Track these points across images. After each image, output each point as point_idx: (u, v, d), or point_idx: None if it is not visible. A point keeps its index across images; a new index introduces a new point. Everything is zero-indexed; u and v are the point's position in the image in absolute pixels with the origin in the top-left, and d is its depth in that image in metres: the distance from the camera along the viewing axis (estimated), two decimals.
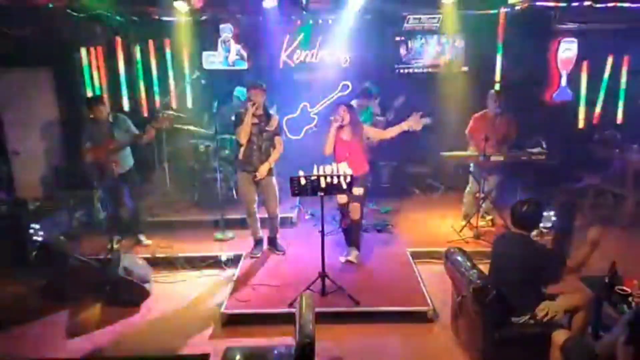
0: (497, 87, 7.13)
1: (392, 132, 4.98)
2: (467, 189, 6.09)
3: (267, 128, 5.00)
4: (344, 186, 4.27)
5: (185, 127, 6.71)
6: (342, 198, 5.00)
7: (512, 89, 6.91)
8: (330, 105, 7.43)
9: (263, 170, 5.00)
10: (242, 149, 5.00)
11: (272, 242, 5.46)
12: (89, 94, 7.04)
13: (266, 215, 5.33)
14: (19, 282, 4.95)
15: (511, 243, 3.53)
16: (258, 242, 5.42)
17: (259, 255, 5.33)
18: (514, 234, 3.54)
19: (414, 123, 4.79)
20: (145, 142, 5.47)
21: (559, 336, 3.15)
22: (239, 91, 6.66)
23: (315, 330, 2.70)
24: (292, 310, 4.13)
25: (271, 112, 5.20)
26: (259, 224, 5.38)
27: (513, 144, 5.83)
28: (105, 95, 7.09)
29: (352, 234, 5.15)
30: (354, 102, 6.21)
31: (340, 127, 4.87)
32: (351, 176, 4.29)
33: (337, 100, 6.64)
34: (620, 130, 7.05)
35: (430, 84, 7.27)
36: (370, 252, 5.38)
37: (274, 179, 5.15)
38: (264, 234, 5.47)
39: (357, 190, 4.91)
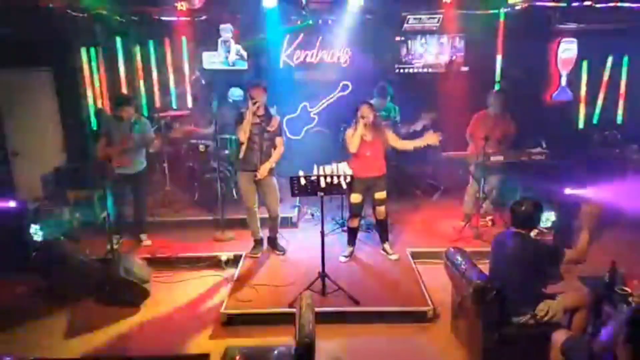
0: (497, 87, 7.15)
1: (409, 144, 5.05)
2: (468, 189, 6.09)
3: (268, 128, 4.99)
4: (344, 186, 4.27)
5: (186, 127, 6.73)
6: (357, 197, 5.00)
7: (512, 89, 6.91)
8: (330, 105, 7.46)
9: (264, 170, 4.99)
10: (242, 149, 5.00)
11: (272, 242, 5.46)
12: (122, 92, 7.08)
13: (266, 215, 5.33)
14: (19, 282, 4.95)
15: (510, 242, 3.52)
16: (258, 242, 5.42)
17: (259, 255, 5.33)
18: (513, 233, 3.54)
19: (430, 140, 4.93)
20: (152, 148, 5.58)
21: (559, 336, 3.15)
22: (233, 92, 6.67)
23: (315, 330, 2.70)
24: (292, 310, 4.14)
25: (272, 112, 5.19)
26: (259, 224, 5.38)
27: (512, 144, 5.84)
28: (106, 97, 7.14)
29: (382, 231, 5.31)
30: (372, 102, 6.23)
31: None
32: (351, 176, 4.30)
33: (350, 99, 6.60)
34: (620, 130, 7.05)
35: (430, 84, 7.27)
36: (371, 252, 5.38)
37: (274, 179, 5.15)
38: (264, 234, 5.47)
39: (381, 195, 5.03)
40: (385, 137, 5.03)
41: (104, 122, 5.37)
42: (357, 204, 5.06)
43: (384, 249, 5.32)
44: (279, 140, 5.07)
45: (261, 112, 4.97)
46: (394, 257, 5.22)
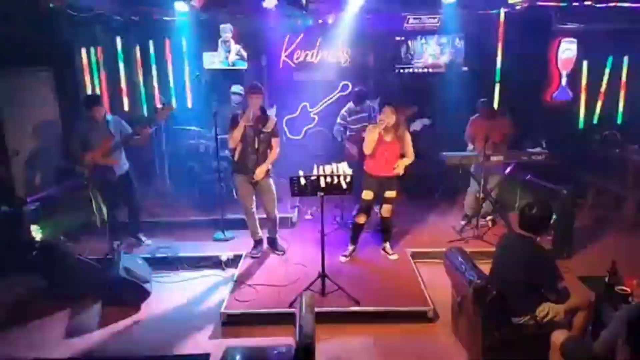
0: (498, 87, 7.17)
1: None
2: (469, 189, 6.09)
3: (263, 130, 4.93)
4: (344, 186, 4.27)
5: (186, 127, 6.72)
6: (368, 194, 5.00)
7: (512, 89, 6.91)
8: (330, 105, 7.45)
9: (260, 172, 4.95)
10: (237, 151, 4.96)
11: (272, 242, 5.46)
12: (88, 93, 7.03)
13: (265, 216, 5.33)
14: (19, 282, 4.95)
15: (515, 244, 3.50)
16: (258, 242, 5.42)
17: (258, 255, 5.33)
18: (519, 236, 3.51)
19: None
20: (140, 143, 5.41)
21: (559, 336, 3.14)
22: (234, 89, 6.66)
23: (315, 330, 2.70)
24: (292, 310, 4.15)
25: (269, 113, 5.13)
26: (258, 224, 5.37)
27: (510, 144, 5.85)
28: (105, 95, 7.14)
29: (384, 230, 5.34)
30: (349, 105, 6.24)
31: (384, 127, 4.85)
32: (351, 176, 4.29)
33: (378, 101, 6.57)
34: (620, 130, 7.05)
35: (430, 84, 7.27)
36: (371, 252, 5.38)
37: (271, 180, 5.13)
38: (263, 234, 5.46)
39: (391, 194, 5.03)
40: (404, 143, 4.94)
41: (78, 127, 5.31)
42: (367, 201, 5.05)
43: (384, 249, 5.32)
44: (274, 141, 5.02)
45: (257, 113, 4.90)
46: (393, 257, 5.23)
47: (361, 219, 5.15)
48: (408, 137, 4.98)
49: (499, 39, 7.18)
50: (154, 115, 5.47)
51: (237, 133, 4.84)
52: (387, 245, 5.31)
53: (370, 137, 4.84)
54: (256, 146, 4.93)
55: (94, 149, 5.19)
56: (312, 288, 4.43)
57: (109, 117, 5.38)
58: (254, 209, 5.26)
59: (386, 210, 5.14)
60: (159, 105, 6.50)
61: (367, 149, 4.89)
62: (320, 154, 6.49)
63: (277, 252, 5.39)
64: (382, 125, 4.79)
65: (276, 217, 5.33)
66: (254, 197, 5.18)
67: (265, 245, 5.48)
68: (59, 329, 4.26)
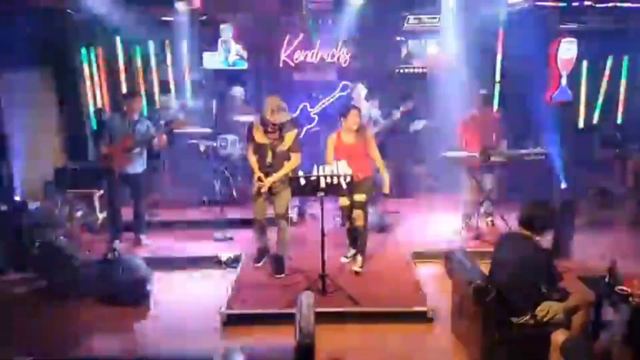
0: (497, 86, 7.16)
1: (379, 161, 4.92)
2: (465, 190, 6.10)
3: (280, 147, 4.60)
4: (344, 186, 4.27)
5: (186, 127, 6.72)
6: (344, 200, 4.91)
7: (512, 89, 6.91)
8: (331, 105, 7.46)
9: (267, 183, 4.68)
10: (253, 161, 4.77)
11: (276, 261, 4.93)
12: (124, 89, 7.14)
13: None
14: (19, 282, 4.95)
15: (514, 243, 3.50)
16: (262, 252, 5.16)
17: (260, 263, 5.11)
18: (518, 235, 3.51)
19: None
20: (161, 146, 5.51)
21: (558, 336, 3.14)
22: (235, 90, 6.66)
23: (315, 330, 2.70)
24: (292, 310, 4.14)
25: (289, 126, 4.65)
26: (266, 235, 5.13)
27: (506, 143, 5.85)
28: (106, 97, 7.15)
29: (358, 240, 5.01)
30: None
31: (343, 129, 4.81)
32: (351, 176, 4.29)
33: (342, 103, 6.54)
34: (620, 130, 7.06)
35: (430, 84, 7.27)
36: (371, 252, 5.37)
37: (289, 190, 4.68)
38: (271, 233, 5.18)
39: (359, 197, 4.77)
40: (367, 141, 4.85)
41: (108, 121, 5.38)
42: (346, 207, 4.92)
43: (345, 256, 5.15)
44: (293, 157, 4.67)
45: (276, 127, 4.52)
46: (357, 268, 4.94)
47: (349, 226, 5.08)
48: (371, 139, 4.90)
49: (499, 39, 7.18)
50: (170, 123, 5.54)
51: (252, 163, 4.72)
52: (359, 257, 4.96)
53: (329, 147, 4.81)
54: (269, 161, 4.65)
55: (115, 145, 5.22)
56: (312, 288, 4.42)
57: (142, 117, 5.39)
58: (263, 221, 4.96)
59: (356, 216, 4.82)
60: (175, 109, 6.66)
61: (327, 157, 4.79)
62: (320, 154, 6.49)
63: (276, 275, 4.84)
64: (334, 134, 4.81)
65: (284, 222, 4.84)
66: (264, 208, 4.89)
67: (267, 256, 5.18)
68: (59, 328, 4.26)
